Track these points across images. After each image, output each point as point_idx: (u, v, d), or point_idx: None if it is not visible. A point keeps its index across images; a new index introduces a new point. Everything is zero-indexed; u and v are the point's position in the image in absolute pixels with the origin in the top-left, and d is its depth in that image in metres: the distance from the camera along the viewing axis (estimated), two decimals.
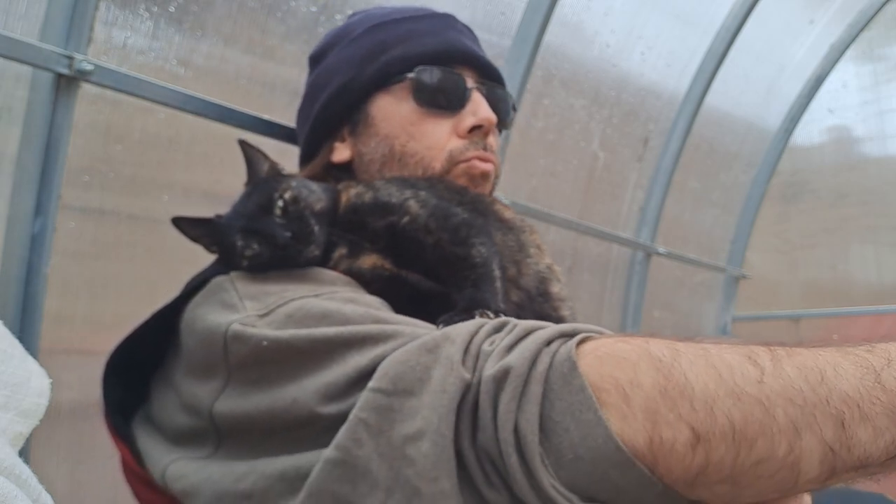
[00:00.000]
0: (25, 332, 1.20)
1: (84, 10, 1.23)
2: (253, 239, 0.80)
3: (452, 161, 0.98)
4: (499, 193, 2.11)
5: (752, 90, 3.36)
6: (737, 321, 3.59)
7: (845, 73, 3.44)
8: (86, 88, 1.26)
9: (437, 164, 0.97)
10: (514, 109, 1.12)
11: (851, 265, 3.48)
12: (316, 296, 0.74)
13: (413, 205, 0.84)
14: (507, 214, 0.97)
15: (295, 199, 0.83)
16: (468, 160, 0.99)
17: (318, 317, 0.70)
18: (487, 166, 1.01)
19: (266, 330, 0.70)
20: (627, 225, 2.94)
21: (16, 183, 1.20)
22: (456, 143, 0.99)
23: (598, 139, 2.67)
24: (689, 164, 3.07)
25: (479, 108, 0.99)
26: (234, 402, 0.72)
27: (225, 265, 0.84)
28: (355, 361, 0.64)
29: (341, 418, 0.62)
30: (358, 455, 0.59)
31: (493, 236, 0.86)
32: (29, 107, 1.21)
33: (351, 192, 0.90)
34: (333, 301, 0.73)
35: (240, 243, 0.81)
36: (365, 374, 0.63)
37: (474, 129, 0.99)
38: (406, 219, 0.83)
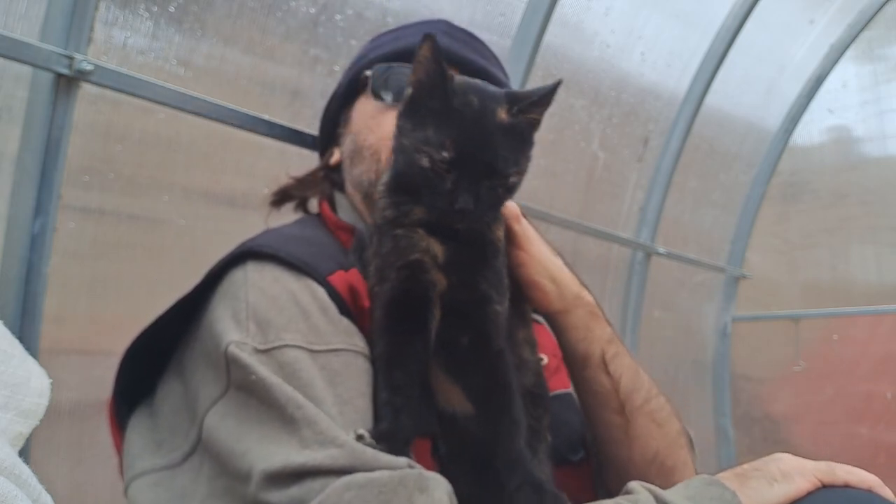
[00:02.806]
0: (25, 332, 1.20)
1: (84, 10, 1.22)
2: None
3: None
4: None
5: (752, 90, 3.35)
6: (737, 321, 3.58)
7: (845, 73, 3.43)
8: (86, 88, 1.25)
9: (384, 155, 0.97)
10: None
11: (851, 265, 3.48)
12: (311, 352, 0.77)
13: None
14: None
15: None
16: None
17: (303, 385, 0.74)
18: None
19: (259, 365, 0.74)
20: (627, 225, 2.94)
21: (16, 183, 1.20)
22: None
23: (598, 139, 2.67)
24: (689, 164, 3.06)
25: None
26: (217, 419, 0.75)
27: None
28: (307, 455, 0.68)
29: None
30: None
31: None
32: (29, 107, 1.21)
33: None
34: (321, 373, 0.76)
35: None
36: (311, 473, 0.66)
37: None
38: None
